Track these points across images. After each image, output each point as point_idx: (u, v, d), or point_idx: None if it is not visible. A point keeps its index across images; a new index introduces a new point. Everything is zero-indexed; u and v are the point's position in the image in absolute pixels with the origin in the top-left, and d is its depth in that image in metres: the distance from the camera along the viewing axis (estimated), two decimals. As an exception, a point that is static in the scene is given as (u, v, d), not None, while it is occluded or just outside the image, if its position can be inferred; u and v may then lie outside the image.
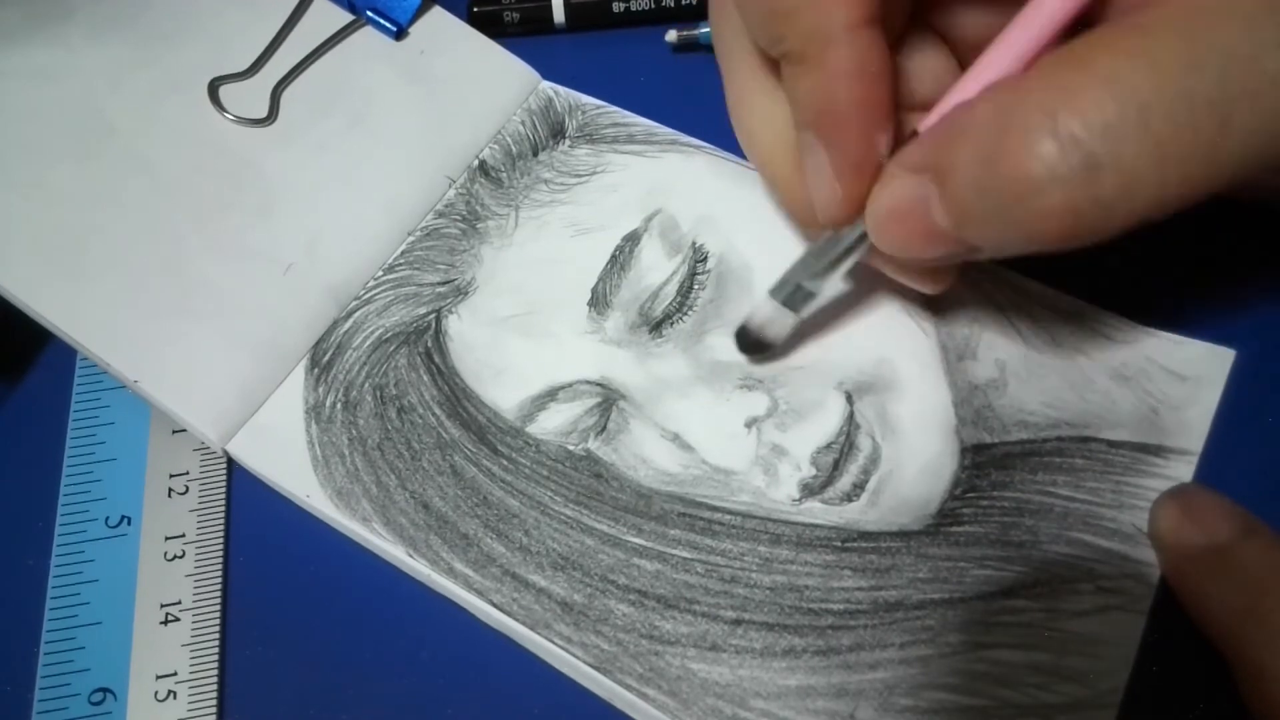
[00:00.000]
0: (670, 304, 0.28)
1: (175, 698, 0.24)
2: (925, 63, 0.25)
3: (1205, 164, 0.18)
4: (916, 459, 0.26)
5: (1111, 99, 0.18)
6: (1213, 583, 0.23)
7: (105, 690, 0.24)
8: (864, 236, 0.23)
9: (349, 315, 0.29)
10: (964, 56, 0.25)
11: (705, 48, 0.34)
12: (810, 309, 0.26)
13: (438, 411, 0.27)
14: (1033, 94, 0.19)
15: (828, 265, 0.25)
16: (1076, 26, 0.21)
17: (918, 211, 0.21)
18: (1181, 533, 0.23)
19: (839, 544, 0.25)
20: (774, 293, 0.26)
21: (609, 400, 0.27)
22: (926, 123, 0.22)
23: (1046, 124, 0.18)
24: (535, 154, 0.31)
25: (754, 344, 0.27)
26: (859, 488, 0.25)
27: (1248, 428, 0.26)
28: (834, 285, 0.26)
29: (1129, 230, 0.19)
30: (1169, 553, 0.24)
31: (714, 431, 0.26)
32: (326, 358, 0.28)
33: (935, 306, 0.28)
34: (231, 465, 0.28)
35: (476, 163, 0.31)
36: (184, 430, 0.28)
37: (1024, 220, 0.19)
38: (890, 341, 0.27)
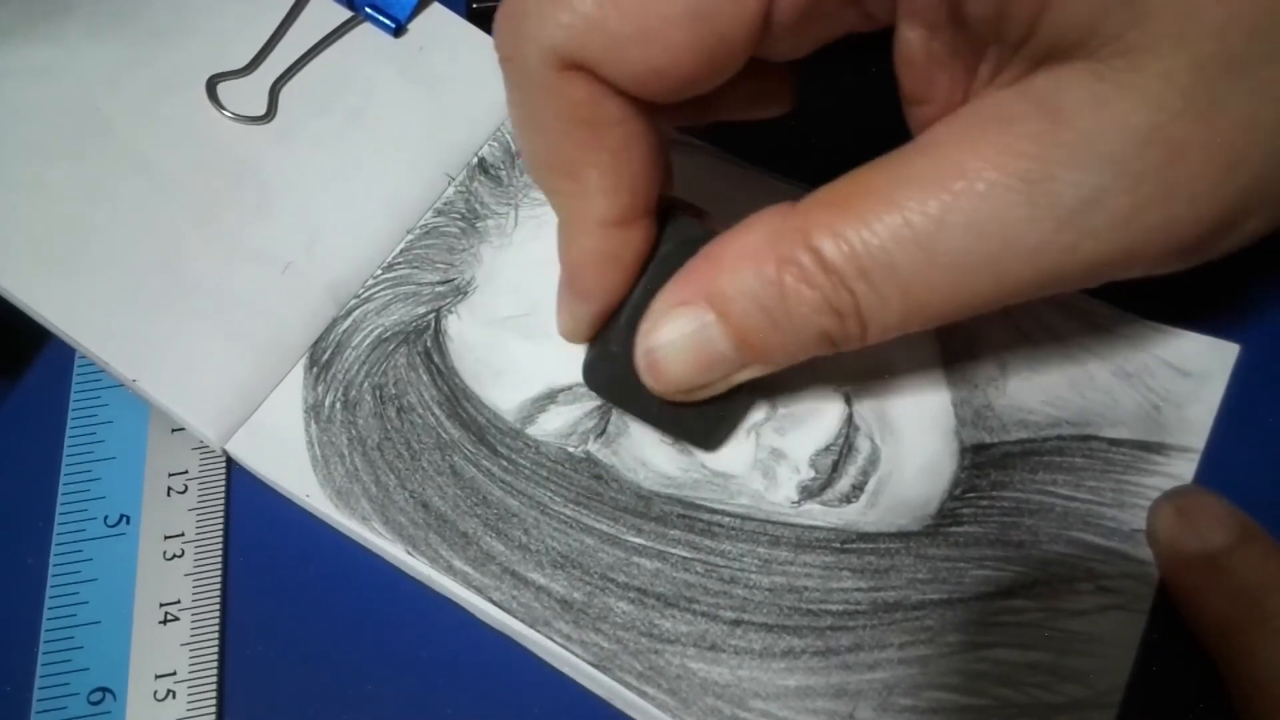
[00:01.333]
0: (670, 303, 0.28)
1: (174, 697, 0.24)
2: None
3: (946, 303, 0.20)
4: (916, 460, 0.26)
5: (859, 239, 0.20)
6: (1205, 590, 0.23)
7: (104, 690, 0.24)
8: None
9: (348, 314, 0.29)
10: None
11: None
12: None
13: (437, 411, 0.27)
14: (799, 227, 0.20)
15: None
16: None
17: (699, 343, 0.22)
18: (1176, 537, 0.23)
19: (838, 545, 0.25)
20: None
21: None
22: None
23: (812, 257, 0.20)
24: (535, 152, 0.31)
25: None
26: (858, 489, 0.25)
27: (1251, 424, 0.26)
28: None
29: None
30: (1163, 557, 0.24)
31: (713, 434, 0.26)
32: (325, 357, 0.28)
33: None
34: (231, 464, 0.27)
35: (476, 160, 0.31)
36: (183, 429, 0.28)
37: (805, 334, 0.21)
38: (889, 342, 0.27)
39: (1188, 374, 0.26)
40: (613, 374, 0.24)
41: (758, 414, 0.26)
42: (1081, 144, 0.18)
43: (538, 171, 0.22)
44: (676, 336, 0.22)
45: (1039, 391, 0.26)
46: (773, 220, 0.21)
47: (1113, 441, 0.26)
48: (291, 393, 0.28)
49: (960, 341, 0.27)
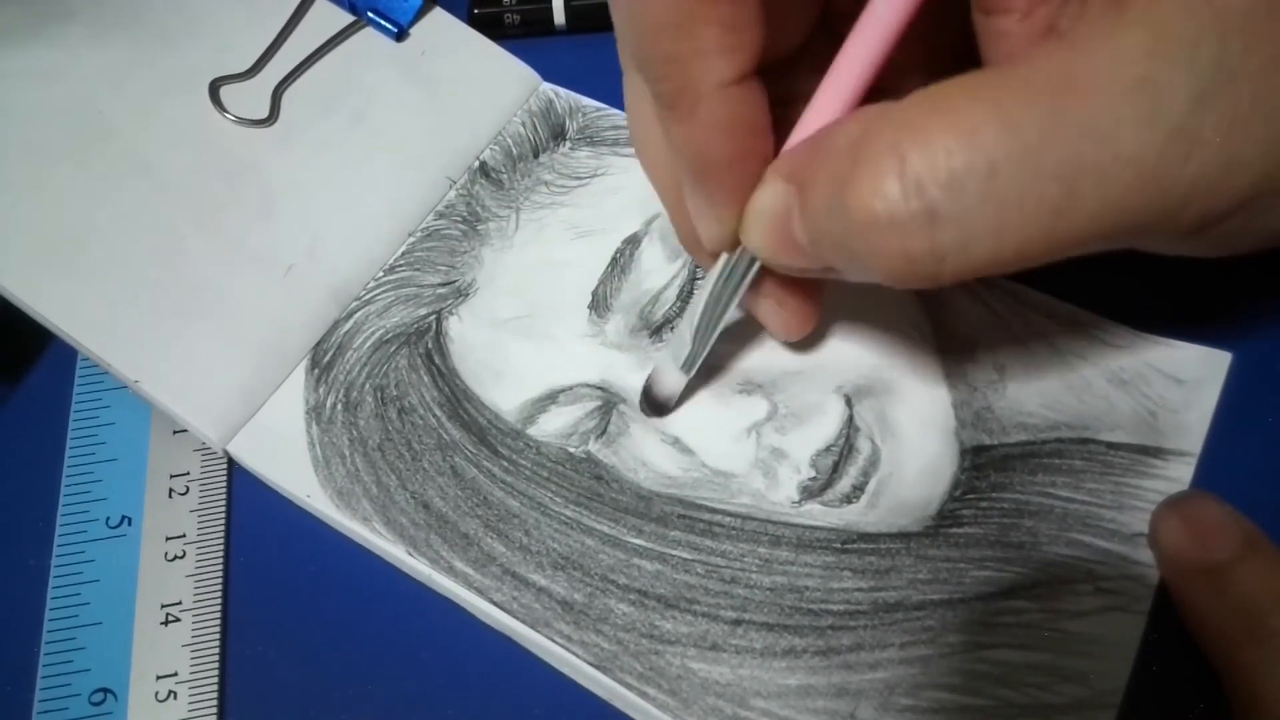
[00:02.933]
0: (671, 308, 0.28)
1: (176, 698, 0.24)
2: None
3: (1045, 233, 0.18)
4: (916, 461, 0.26)
5: (961, 150, 0.17)
6: (1209, 602, 0.22)
7: (106, 690, 0.24)
8: (747, 268, 0.24)
9: (349, 316, 0.29)
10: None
11: None
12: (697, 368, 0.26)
13: (438, 413, 0.27)
14: (889, 129, 0.18)
15: (720, 309, 0.24)
16: (961, 59, 0.20)
17: (781, 220, 0.21)
18: (1180, 547, 0.23)
19: (839, 545, 0.25)
20: (678, 361, 0.26)
21: (609, 403, 0.27)
22: (795, 134, 0.22)
23: (895, 163, 0.18)
24: (536, 156, 0.32)
25: (659, 406, 0.27)
26: (858, 490, 0.26)
27: (1246, 429, 0.26)
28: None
29: (964, 280, 0.19)
30: (1168, 566, 0.24)
31: (714, 435, 0.27)
32: (327, 358, 0.28)
33: (934, 310, 0.28)
34: (232, 466, 0.28)
35: (477, 164, 0.32)
36: (185, 431, 0.28)
37: (863, 253, 0.19)
38: (889, 344, 0.27)
39: (1182, 381, 0.27)
40: None
41: (759, 413, 0.27)
42: (1186, 49, 0.17)
43: (648, 37, 0.21)
44: (762, 205, 0.21)
45: (1037, 395, 0.27)
46: (870, 117, 0.19)
47: (1111, 445, 0.26)
48: (293, 394, 0.28)
49: (958, 344, 0.27)
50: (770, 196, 0.21)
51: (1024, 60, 0.18)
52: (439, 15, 0.33)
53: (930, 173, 0.17)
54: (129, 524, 0.26)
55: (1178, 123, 0.17)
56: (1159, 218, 0.18)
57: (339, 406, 0.28)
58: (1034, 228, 0.18)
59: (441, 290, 0.29)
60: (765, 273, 0.24)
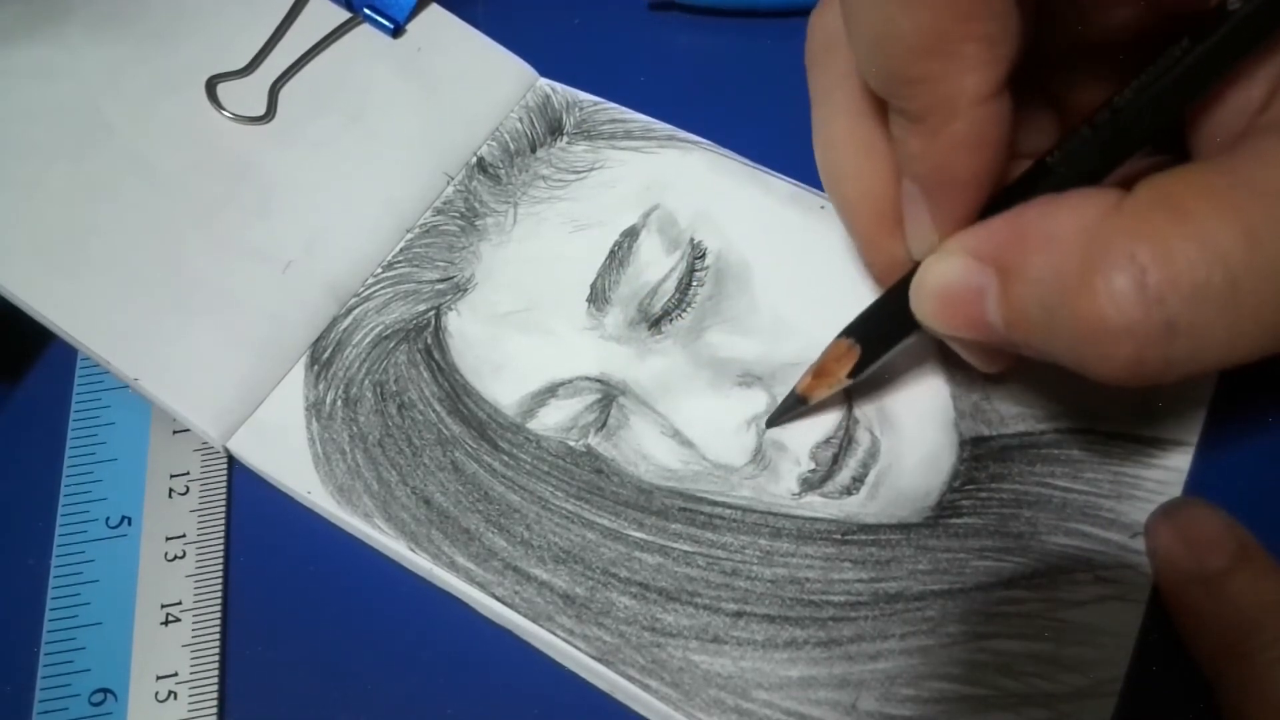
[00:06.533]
0: (669, 301, 0.28)
1: (176, 698, 0.24)
2: (1030, 119, 0.24)
3: (1277, 339, 0.18)
4: (915, 452, 0.26)
5: (1203, 263, 0.17)
6: (1202, 613, 0.22)
7: (106, 691, 0.24)
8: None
9: (349, 312, 0.29)
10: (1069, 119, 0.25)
11: (679, 6, 0.34)
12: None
13: (438, 408, 0.27)
14: (1124, 232, 0.18)
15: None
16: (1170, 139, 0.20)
17: (970, 299, 0.20)
18: (1174, 556, 0.23)
19: (839, 537, 0.25)
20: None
21: (609, 396, 0.27)
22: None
23: (1134, 274, 0.17)
24: (533, 150, 0.32)
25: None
26: (858, 481, 0.26)
27: (1242, 418, 0.26)
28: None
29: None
30: (1161, 575, 0.24)
31: (714, 427, 0.27)
32: (326, 355, 0.28)
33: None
34: (232, 465, 0.28)
35: (474, 159, 0.32)
36: (185, 430, 0.28)
37: (1083, 355, 0.18)
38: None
39: None
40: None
41: (758, 405, 0.27)
42: None
43: (900, 61, 0.20)
44: (944, 280, 0.21)
45: (1036, 385, 0.27)
46: (1092, 211, 0.18)
47: (1109, 435, 0.26)
48: (293, 391, 0.28)
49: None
50: (955, 272, 0.20)
51: (1249, 156, 0.18)
52: (435, 11, 0.33)
53: (1172, 286, 0.17)
54: (129, 524, 0.26)
55: None
56: None
57: (339, 403, 0.28)
58: (1269, 336, 0.18)
59: (440, 286, 0.29)
60: None
